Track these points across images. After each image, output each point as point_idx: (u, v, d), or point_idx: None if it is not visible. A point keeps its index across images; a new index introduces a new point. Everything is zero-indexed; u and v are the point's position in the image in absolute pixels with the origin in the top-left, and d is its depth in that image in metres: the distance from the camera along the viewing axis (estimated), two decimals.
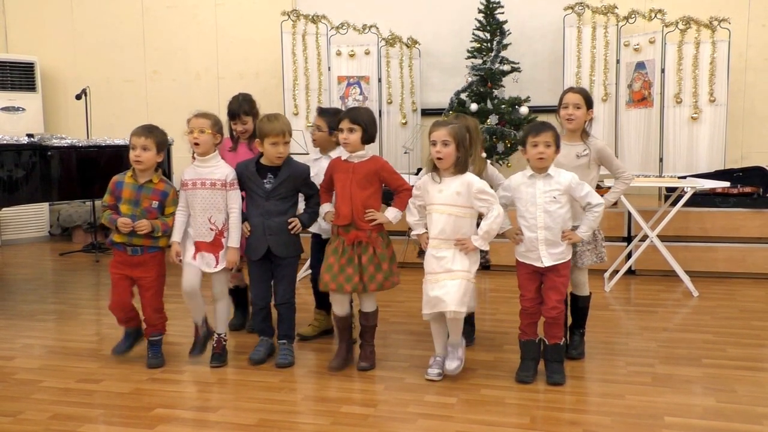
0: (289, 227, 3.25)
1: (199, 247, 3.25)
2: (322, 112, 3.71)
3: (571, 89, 3.36)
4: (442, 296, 2.95)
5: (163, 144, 3.27)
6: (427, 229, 3.08)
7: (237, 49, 7.02)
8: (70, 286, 5.19)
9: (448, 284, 2.96)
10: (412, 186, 3.16)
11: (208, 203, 3.22)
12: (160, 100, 7.22)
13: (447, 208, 2.99)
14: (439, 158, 2.97)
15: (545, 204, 2.97)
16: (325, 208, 3.31)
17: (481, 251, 3.45)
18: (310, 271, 3.90)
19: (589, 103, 3.29)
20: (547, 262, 2.98)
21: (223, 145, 3.74)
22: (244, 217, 3.28)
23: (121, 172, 3.31)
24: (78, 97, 6.06)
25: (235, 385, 3.09)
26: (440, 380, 3.07)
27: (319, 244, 3.63)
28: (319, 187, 3.35)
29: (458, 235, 2.99)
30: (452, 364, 3.09)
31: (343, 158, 3.22)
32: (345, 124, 3.14)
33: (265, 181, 3.24)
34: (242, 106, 3.66)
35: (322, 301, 3.80)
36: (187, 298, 3.34)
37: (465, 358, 3.14)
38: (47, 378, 3.19)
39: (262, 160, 3.27)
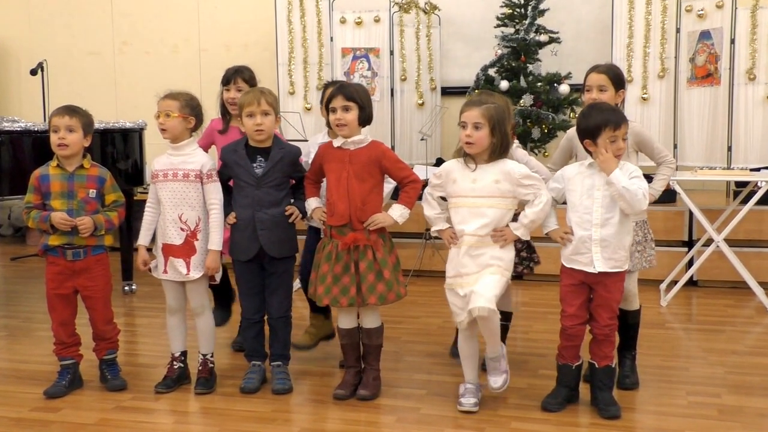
0: (287, 214, 3.25)
1: (168, 251, 3.24)
2: (333, 84, 3.75)
3: (595, 68, 3.36)
4: (476, 290, 2.93)
5: (89, 126, 3.29)
6: (450, 224, 3.09)
7: (222, 16, 7.04)
8: (23, 296, 5.22)
9: (482, 278, 2.96)
10: (422, 179, 3.15)
11: (179, 198, 3.23)
12: (131, 76, 7.25)
13: (487, 200, 2.99)
14: (468, 143, 2.98)
15: (604, 198, 2.97)
16: (312, 203, 3.30)
17: (530, 253, 3.48)
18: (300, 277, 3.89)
19: (617, 83, 3.30)
20: (600, 267, 2.96)
21: (212, 127, 3.78)
22: (230, 210, 3.27)
23: (43, 165, 3.29)
24: (33, 72, 6.10)
25: (218, 416, 3.10)
26: (476, 411, 3.05)
27: (316, 239, 3.63)
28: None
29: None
30: (497, 381, 3.08)
31: (335, 144, 3.21)
32: (338, 102, 3.12)
33: (255, 165, 3.24)
34: (241, 72, 3.74)
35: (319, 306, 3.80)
36: (168, 316, 3.38)
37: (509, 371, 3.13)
38: None
39: (250, 141, 3.28)
